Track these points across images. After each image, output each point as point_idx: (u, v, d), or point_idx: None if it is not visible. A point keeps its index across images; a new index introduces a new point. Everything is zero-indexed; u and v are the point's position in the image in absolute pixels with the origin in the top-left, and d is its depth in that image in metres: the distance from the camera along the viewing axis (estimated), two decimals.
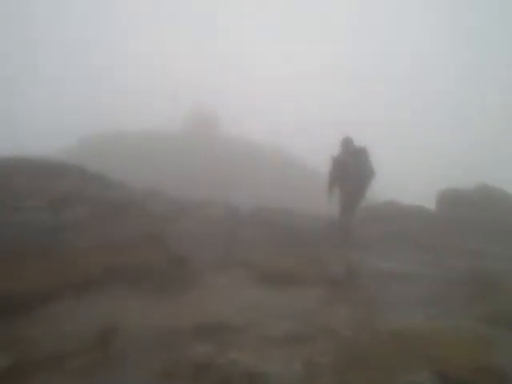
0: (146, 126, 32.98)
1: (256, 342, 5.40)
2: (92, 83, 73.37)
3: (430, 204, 16.71)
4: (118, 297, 6.88)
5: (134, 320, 6.01)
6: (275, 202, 15.30)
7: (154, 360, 4.96)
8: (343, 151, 12.26)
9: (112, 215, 8.44)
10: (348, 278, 8.64)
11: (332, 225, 12.45)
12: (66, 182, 8.80)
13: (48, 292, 6.40)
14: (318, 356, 4.93)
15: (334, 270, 8.96)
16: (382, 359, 4.84)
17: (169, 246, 8.83)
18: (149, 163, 25.59)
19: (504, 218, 14.44)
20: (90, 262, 7.34)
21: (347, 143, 12.26)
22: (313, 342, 5.45)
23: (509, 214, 14.89)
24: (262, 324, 6.05)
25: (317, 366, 4.70)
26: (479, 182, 17.56)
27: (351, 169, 11.93)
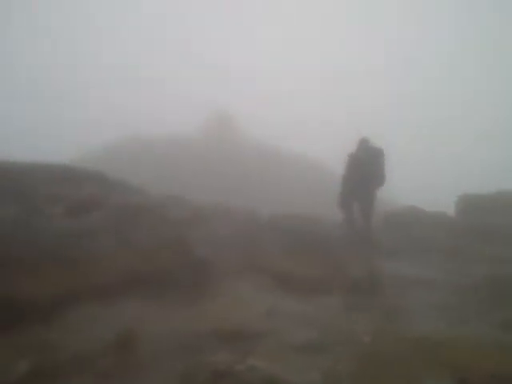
0: (165, 131, 33.11)
1: (275, 349, 5.39)
2: (113, 90, 73.72)
3: (450, 209, 16.58)
4: (138, 302, 6.90)
5: (154, 325, 6.03)
6: (295, 207, 15.28)
7: (174, 365, 4.98)
8: (360, 150, 12.40)
9: (132, 221, 8.48)
10: (369, 285, 8.59)
11: (352, 230, 12.45)
12: (86, 188, 8.87)
13: (68, 297, 6.44)
14: (338, 363, 4.90)
15: (355, 276, 8.91)
16: (402, 366, 4.81)
17: (189, 251, 8.83)
18: (168, 168, 25.70)
19: None
20: (110, 267, 7.37)
21: (364, 142, 12.40)
22: (333, 349, 5.42)
23: None
24: (282, 331, 6.04)
25: (336, 373, 4.68)
26: (500, 187, 17.39)
27: (367, 167, 12.07)
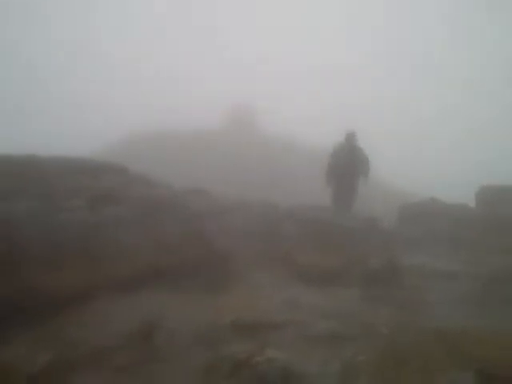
0: (187, 125, 33.13)
1: (295, 341, 5.42)
2: (133, 84, 73.90)
3: (471, 201, 16.45)
4: (159, 294, 6.95)
5: (175, 317, 6.07)
6: (315, 200, 15.27)
7: (194, 356, 5.02)
8: (344, 144, 13.81)
9: (154, 213, 8.52)
10: (389, 277, 8.57)
11: (370, 222, 12.52)
12: (108, 180, 8.91)
13: (89, 290, 6.50)
14: (357, 355, 4.91)
15: (374, 267, 8.90)
16: (422, 358, 4.79)
17: (210, 244, 8.89)
18: (189, 161, 25.74)
19: None
20: (131, 259, 7.43)
21: (349, 138, 13.75)
22: (352, 341, 5.43)
23: None
24: (302, 322, 6.06)
25: (356, 365, 4.69)
26: None
27: (344, 161, 13.58)
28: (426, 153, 66.41)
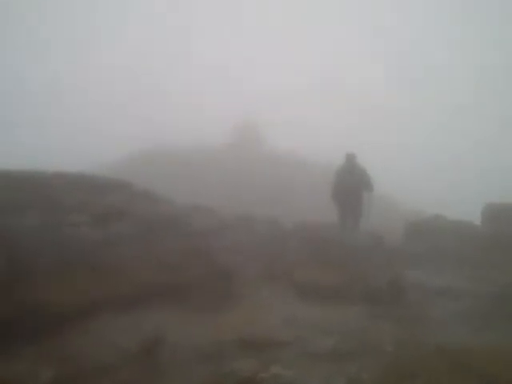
0: (189, 141, 33.22)
1: (299, 357, 5.40)
2: (138, 99, 74.16)
3: (476, 219, 16.40)
4: (162, 310, 6.96)
5: (179, 333, 6.07)
6: (320, 215, 15.27)
7: (198, 373, 5.00)
8: (345, 165, 14.18)
9: (156, 230, 8.55)
10: (392, 294, 8.55)
11: (374, 239, 12.52)
12: (112, 197, 8.96)
13: (93, 305, 6.51)
14: (361, 372, 4.90)
15: (378, 285, 8.88)
16: (427, 375, 4.78)
17: (212, 261, 8.89)
18: (193, 178, 25.78)
19: None
20: (135, 276, 7.44)
21: (349, 159, 14.14)
22: (356, 358, 5.42)
23: None
24: (306, 339, 6.05)
25: (360, 382, 4.68)
26: None
27: (347, 181, 13.97)
28: (433, 167, 66.36)
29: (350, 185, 14.01)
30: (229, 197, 21.58)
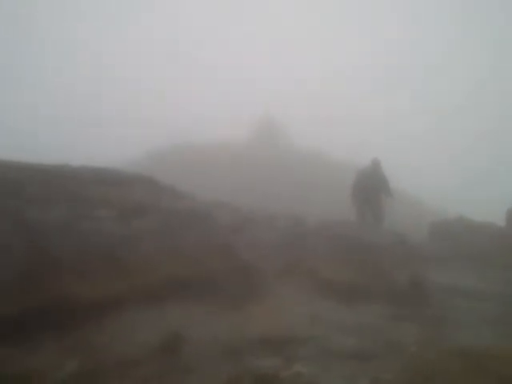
0: (213, 137, 33.33)
1: (321, 356, 5.39)
2: (157, 95, 74.57)
3: (501, 221, 16.26)
4: (184, 306, 6.98)
5: (200, 329, 6.09)
6: (342, 211, 15.30)
7: (218, 371, 5.00)
8: (367, 169, 15.03)
9: (180, 225, 8.58)
10: (415, 294, 8.51)
11: (397, 238, 12.50)
12: (136, 192, 8.99)
13: (116, 300, 6.54)
14: (384, 373, 4.88)
15: (401, 284, 8.84)
16: (449, 377, 4.75)
17: (235, 257, 8.90)
18: (214, 174, 25.83)
19: None
20: (157, 271, 7.47)
21: (373, 164, 14.96)
22: (379, 357, 5.40)
23: None
24: (328, 338, 6.03)
25: (382, 382, 4.65)
26: None
27: (373, 182, 14.81)
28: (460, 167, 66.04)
29: (369, 188, 14.72)
30: (250, 193, 21.57)
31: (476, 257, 11.90)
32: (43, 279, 6.17)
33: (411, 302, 8.07)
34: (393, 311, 7.63)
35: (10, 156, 8.69)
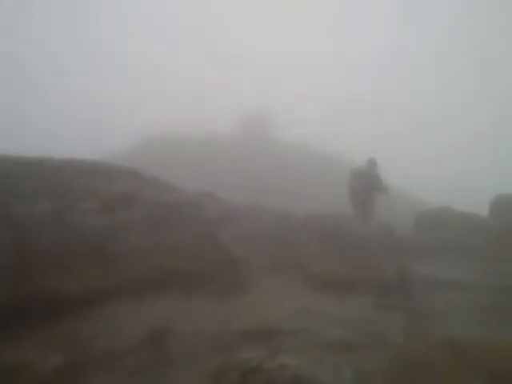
0: (199, 129, 33.24)
1: (306, 347, 5.38)
2: (146, 85, 74.33)
3: (484, 211, 16.39)
4: (172, 298, 6.98)
5: (186, 322, 6.08)
6: (330, 207, 15.34)
7: (205, 362, 5.00)
8: (363, 170, 15.41)
9: (167, 217, 8.55)
10: (401, 285, 8.54)
11: (385, 230, 12.57)
12: (121, 184, 8.94)
13: (102, 292, 6.53)
14: (370, 363, 4.88)
15: (388, 276, 8.87)
16: (434, 368, 4.75)
17: (222, 249, 8.89)
18: (202, 166, 25.79)
19: None
20: (144, 263, 7.46)
21: (370, 163, 15.37)
22: (364, 349, 5.40)
23: None
24: (314, 329, 6.03)
25: (368, 373, 4.65)
26: None
27: (369, 180, 15.20)
28: (441, 155, 66.40)
29: (366, 188, 15.13)
30: (238, 186, 21.56)
31: (461, 247, 11.98)
32: (29, 272, 6.14)
33: (398, 294, 8.09)
34: (380, 303, 7.64)
35: None
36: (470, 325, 6.66)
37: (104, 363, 4.95)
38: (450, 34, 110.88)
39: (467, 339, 5.63)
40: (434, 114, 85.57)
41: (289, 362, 4.70)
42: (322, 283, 8.38)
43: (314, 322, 6.39)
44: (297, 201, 19.13)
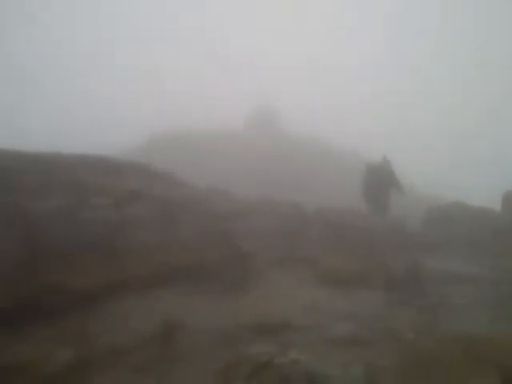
0: (210, 125, 33.22)
1: (317, 343, 5.37)
2: (155, 83, 74.60)
3: (496, 205, 16.27)
4: (180, 293, 6.96)
5: (195, 317, 6.07)
6: (340, 201, 15.31)
7: (215, 357, 5.00)
8: (377, 166, 15.48)
9: (176, 213, 8.55)
10: (412, 280, 8.49)
11: (395, 225, 12.53)
12: (131, 180, 8.95)
13: (112, 287, 6.54)
14: (380, 359, 4.86)
15: (398, 271, 8.83)
16: (445, 363, 4.74)
17: (232, 244, 8.88)
18: (212, 161, 25.77)
19: None
20: (154, 258, 7.46)
21: (384, 161, 15.46)
22: (374, 344, 5.38)
23: None
24: (324, 324, 6.02)
25: (378, 368, 4.64)
26: None
27: (378, 182, 15.26)
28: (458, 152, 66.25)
29: (379, 184, 15.25)
30: (248, 182, 21.54)
31: (472, 242, 11.89)
32: (37, 269, 6.15)
33: (408, 289, 8.05)
34: (390, 298, 7.61)
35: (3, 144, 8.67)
36: (480, 320, 6.61)
37: (112, 359, 4.95)
38: (450, 34, 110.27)
39: (477, 334, 5.61)
40: (434, 114, 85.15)
41: (300, 358, 4.69)
42: (332, 278, 8.35)
43: (324, 316, 6.37)
44: (307, 195, 19.07)
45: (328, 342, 5.41)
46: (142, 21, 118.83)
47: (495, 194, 18.27)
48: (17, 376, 4.52)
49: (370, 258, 9.62)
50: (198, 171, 20.06)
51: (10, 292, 5.70)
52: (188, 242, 8.19)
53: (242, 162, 26.17)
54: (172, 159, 22.25)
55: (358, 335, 5.67)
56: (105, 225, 7.38)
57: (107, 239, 7.25)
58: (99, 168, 8.95)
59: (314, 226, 11.39)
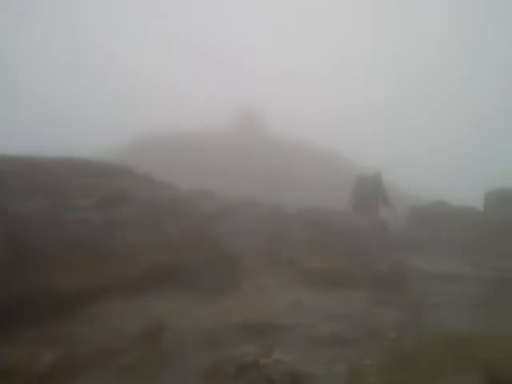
0: (192, 127, 33.12)
1: (301, 343, 5.41)
2: (138, 84, 74.35)
3: (479, 204, 16.38)
4: (167, 294, 6.97)
5: (181, 318, 6.09)
6: (322, 203, 15.33)
7: (201, 358, 5.02)
8: (368, 180, 15.67)
9: (161, 215, 8.55)
10: (394, 280, 8.55)
11: (377, 225, 12.59)
12: (116, 182, 8.93)
13: (96, 290, 6.52)
14: (363, 357, 4.90)
15: (381, 271, 8.88)
16: (428, 361, 4.78)
17: (216, 245, 8.89)
18: (195, 163, 25.70)
19: None
20: (140, 260, 7.45)
21: (376, 174, 15.64)
22: (358, 343, 5.43)
23: None
24: (307, 324, 6.06)
25: (361, 367, 4.68)
26: None
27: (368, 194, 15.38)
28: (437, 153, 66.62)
29: (368, 197, 15.31)
30: (229, 183, 21.51)
31: (455, 241, 11.98)
32: (21, 271, 6.12)
33: (391, 288, 8.10)
34: (373, 297, 7.67)
35: None
36: (465, 318, 6.67)
37: (99, 360, 4.96)
38: (450, 34, 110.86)
39: (461, 333, 5.67)
40: (434, 115, 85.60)
41: (284, 358, 4.72)
42: (316, 278, 8.39)
43: (308, 317, 6.41)
44: (288, 198, 19.08)
45: (312, 342, 5.45)
46: (141, 19, 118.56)
47: (478, 196, 18.44)
48: (3, 378, 4.50)
49: (354, 258, 9.66)
50: (184, 172, 20.01)
51: None
52: (174, 243, 8.19)
53: (229, 164, 26.13)
54: (159, 160, 22.19)
55: (342, 334, 5.71)
56: (90, 227, 7.37)
57: (93, 241, 7.23)
58: (84, 171, 8.92)
59: (297, 226, 11.42)
